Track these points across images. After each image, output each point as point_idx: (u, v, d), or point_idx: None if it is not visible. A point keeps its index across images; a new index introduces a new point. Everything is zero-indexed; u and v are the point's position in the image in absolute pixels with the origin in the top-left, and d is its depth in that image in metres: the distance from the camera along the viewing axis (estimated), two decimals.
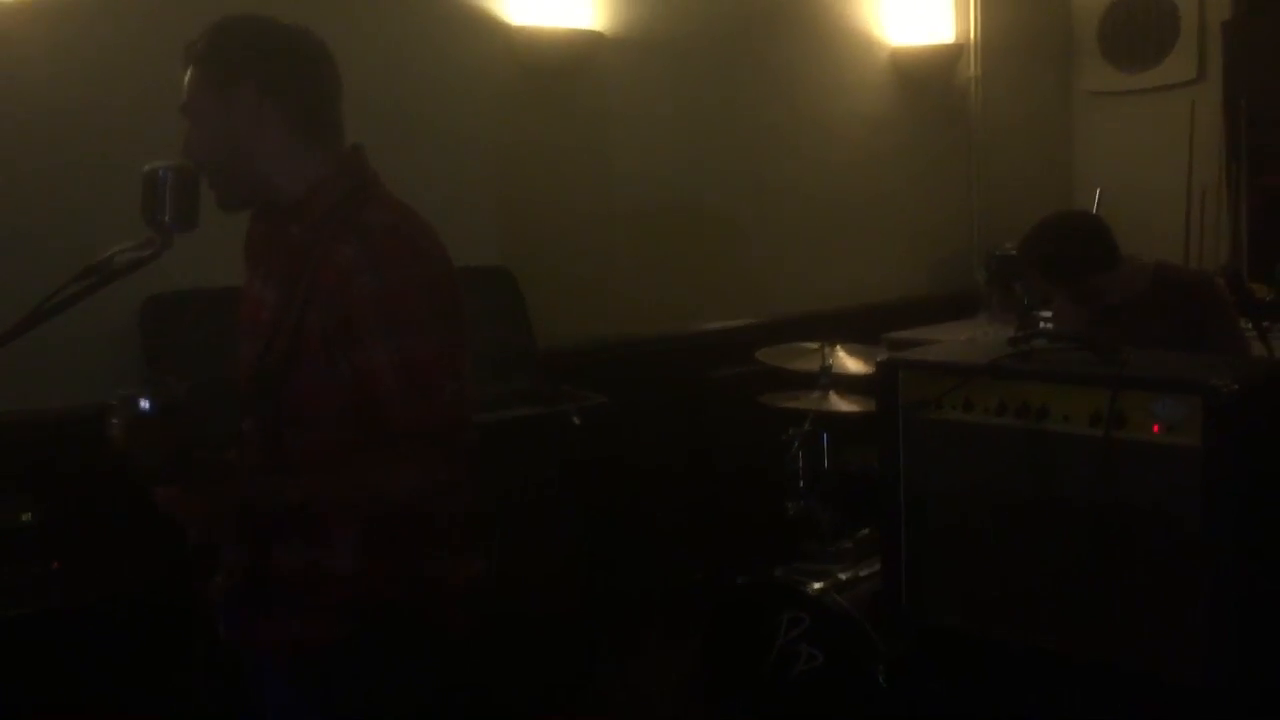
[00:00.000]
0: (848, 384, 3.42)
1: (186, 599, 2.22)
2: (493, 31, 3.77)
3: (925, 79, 5.00)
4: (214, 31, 1.84)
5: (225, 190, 1.88)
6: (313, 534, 1.79)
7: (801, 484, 3.35)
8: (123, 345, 3.11)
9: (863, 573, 3.05)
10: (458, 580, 1.90)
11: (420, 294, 1.75)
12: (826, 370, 3.39)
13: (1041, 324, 3.53)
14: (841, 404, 3.34)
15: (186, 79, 1.85)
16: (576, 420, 3.46)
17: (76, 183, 3.06)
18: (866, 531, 3.29)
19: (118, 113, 3.10)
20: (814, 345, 3.48)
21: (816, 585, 2.99)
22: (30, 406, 3.02)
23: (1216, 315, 3.02)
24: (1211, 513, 1.99)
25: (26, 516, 2.68)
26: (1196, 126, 5.03)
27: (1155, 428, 2.06)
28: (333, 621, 1.79)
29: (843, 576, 3.05)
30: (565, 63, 3.91)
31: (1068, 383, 2.18)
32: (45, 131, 3.04)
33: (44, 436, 3.01)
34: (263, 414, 1.84)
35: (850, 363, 3.48)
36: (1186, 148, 5.01)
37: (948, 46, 5.00)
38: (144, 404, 1.64)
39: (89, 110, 3.08)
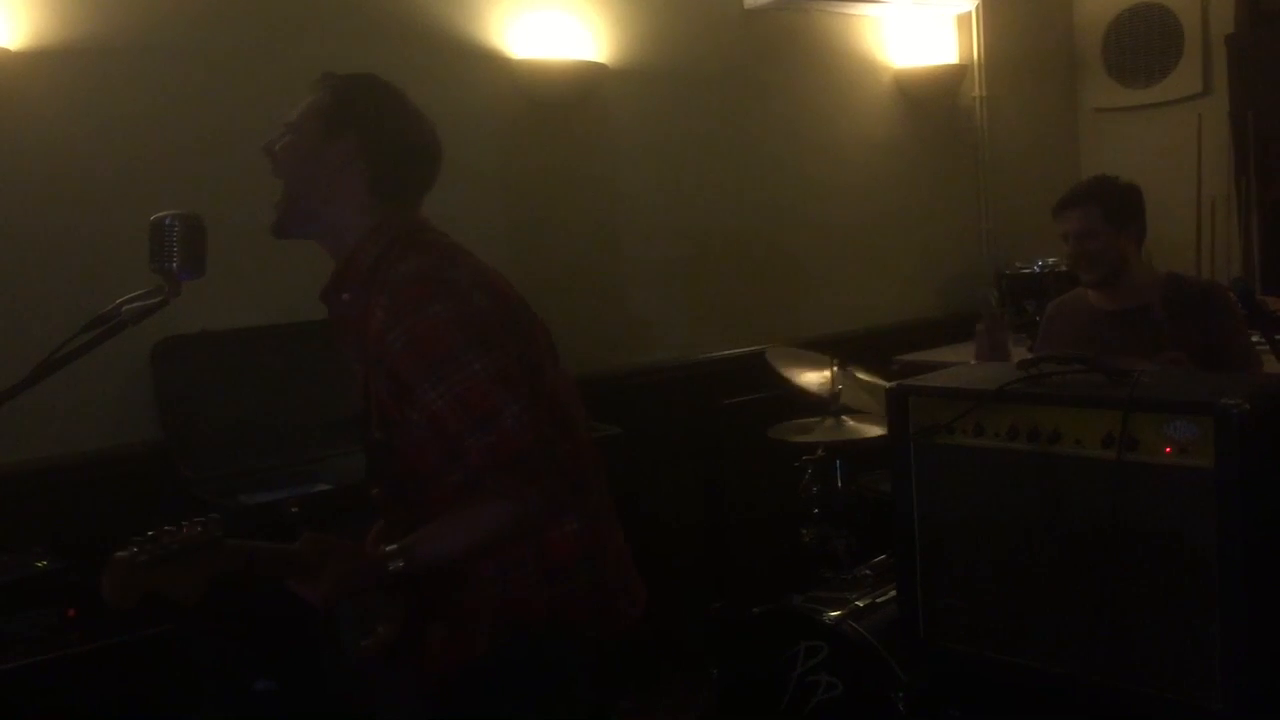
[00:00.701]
0: (860, 408, 3.42)
1: (200, 644, 2.23)
2: (496, 65, 3.79)
3: (930, 100, 5.01)
4: (355, 78, 1.96)
5: (285, 214, 1.92)
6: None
7: (816, 510, 3.34)
8: (135, 389, 3.12)
9: (880, 599, 3.02)
10: (581, 581, 1.94)
11: (449, 330, 1.77)
12: (838, 396, 3.39)
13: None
14: (854, 429, 3.32)
15: (309, 100, 1.94)
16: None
17: (82, 232, 3.08)
18: (884, 557, 3.27)
19: (121, 161, 3.14)
20: (826, 371, 3.47)
21: (834, 613, 2.97)
22: (44, 454, 3.03)
23: (1229, 325, 3.03)
24: (1226, 534, 1.97)
25: (42, 564, 2.69)
26: (1204, 140, 5.02)
27: (1168, 449, 2.04)
28: (480, 635, 1.86)
29: (860, 604, 3.02)
30: (569, 94, 3.93)
31: (1078, 405, 2.16)
32: (46, 180, 3.06)
33: (58, 483, 3.02)
34: (383, 480, 1.93)
35: (861, 389, 3.47)
36: (1195, 162, 5.01)
37: (952, 67, 5.01)
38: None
39: (92, 159, 3.11)
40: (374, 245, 1.88)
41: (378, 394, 1.84)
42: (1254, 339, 3.09)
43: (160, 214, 1.83)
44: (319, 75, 1.96)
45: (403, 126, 1.94)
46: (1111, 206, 3.11)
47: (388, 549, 1.76)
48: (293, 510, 2.81)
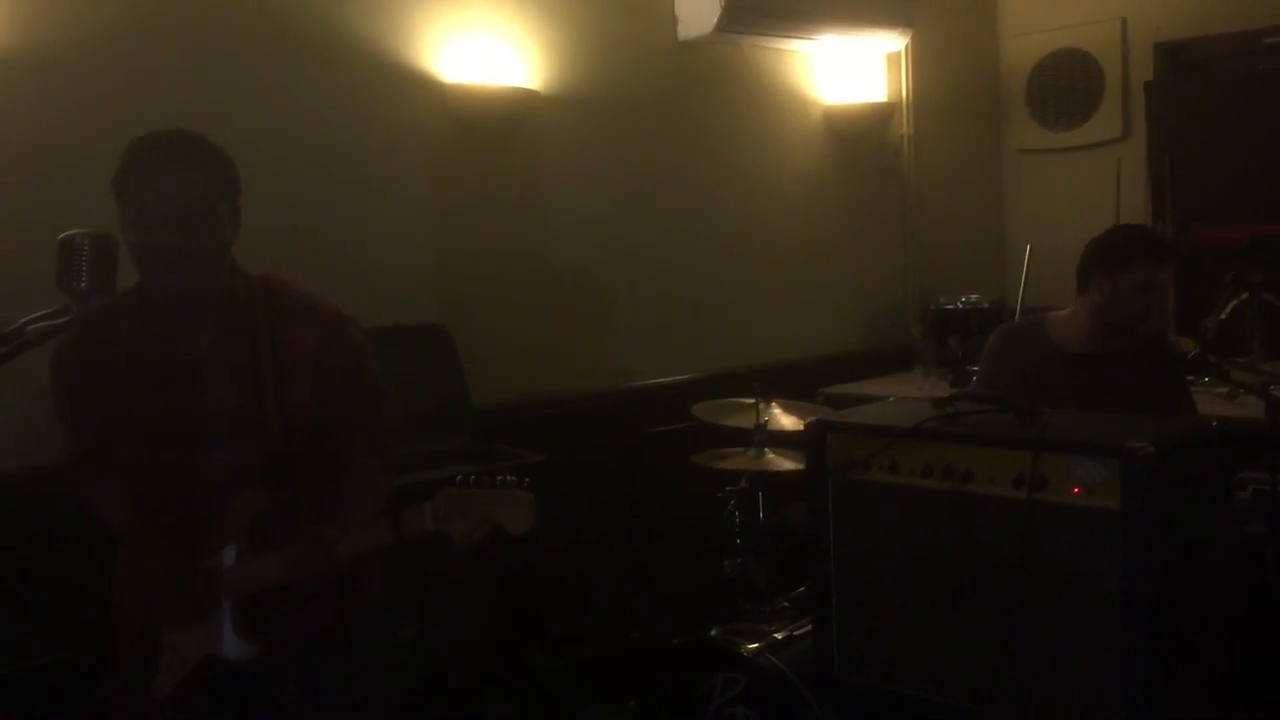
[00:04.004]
0: (784, 440, 3.44)
1: (101, 665, 2.18)
2: (426, 90, 3.77)
3: (859, 137, 5.09)
4: (205, 143, 2.04)
5: (205, 288, 2.03)
6: None
7: (738, 541, 3.35)
8: (43, 409, 3.02)
9: (798, 632, 3.04)
10: None
11: None
12: (762, 428, 3.41)
13: (974, 378, 3.57)
14: (777, 462, 3.35)
15: (193, 184, 1.98)
16: (510, 479, 3.42)
17: None
18: (803, 589, 3.29)
19: (31, 176, 3.06)
20: (749, 401, 3.49)
21: (752, 645, 2.98)
22: None
23: (1182, 381, 3.07)
24: (1129, 575, 2.02)
25: None
26: (1123, 184, 5.14)
27: (1076, 490, 2.09)
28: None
29: (778, 636, 3.04)
30: (500, 120, 3.93)
31: (990, 445, 2.20)
32: None
33: None
34: None
35: (785, 419, 3.50)
36: (1114, 204, 5.12)
37: (880, 105, 5.10)
38: None
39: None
40: None
41: None
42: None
43: (70, 232, 1.80)
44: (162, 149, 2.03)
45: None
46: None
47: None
48: None
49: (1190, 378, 3.37)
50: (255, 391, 2.03)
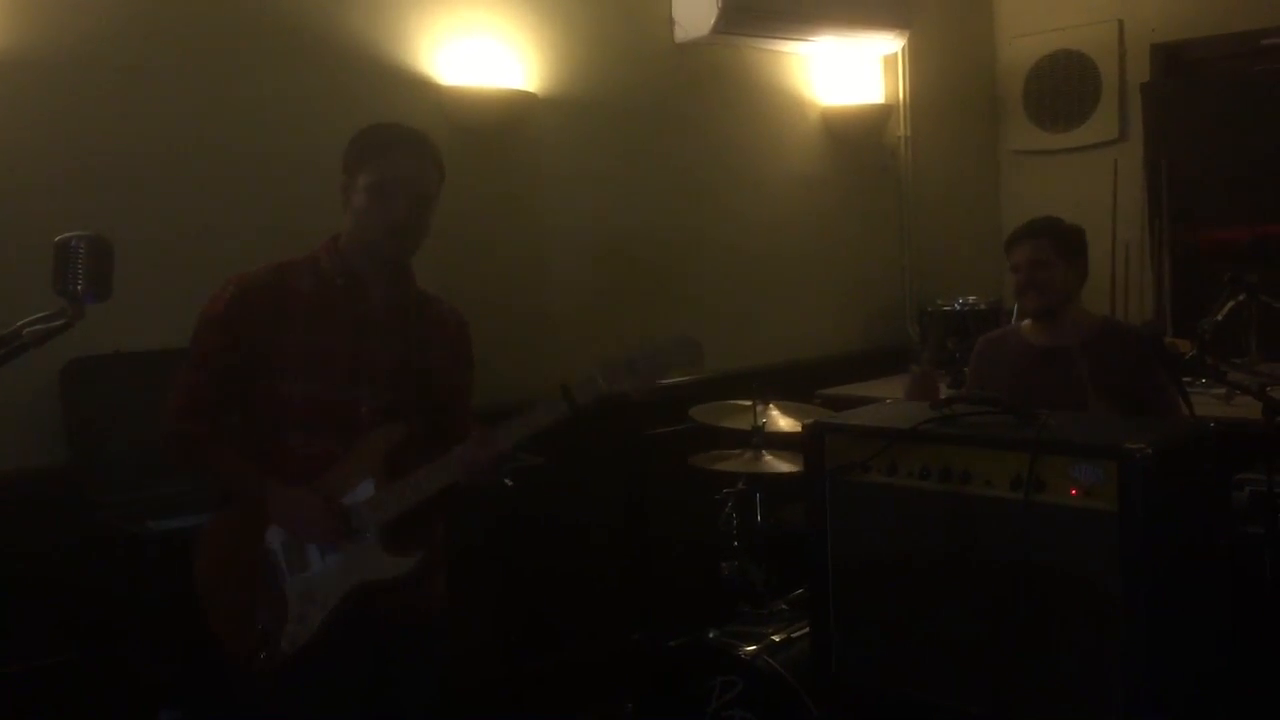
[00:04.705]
0: (781, 442, 3.44)
1: (103, 673, 2.18)
2: (424, 92, 3.77)
3: (855, 138, 5.09)
4: (437, 146, 2.38)
5: (406, 261, 2.39)
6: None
7: (735, 543, 3.35)
8: (42, 410, 3.04)
9: (796, 634, 3.04)
10: None
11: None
12: (759, 430, 3.41)
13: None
14: (774, 463, 3.34)
15: (435, 173, 2.34)
16: (509, 482, 3.43)
17: None
18: (801, 591, 3.29)
19: (26, 178, 3.05)
20: (747, 403, 3.49)
21: (749, 648, 2.98)
22: None
23: (1158, 373, 3.09)
24: (1127, 576, 2.02)
25: None
26: (1119, 185, 5.15)
27: (1074, 491, 2.09)
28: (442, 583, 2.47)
29: (776, 638, 3.04)
30: (497, 123, 3.93)
31: (988, 447, 2.21)
32: None
33: None
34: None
35: (783, 421, 3.50)
36: (1110, 206, 5.13)
37: (877, 107, 5.10)
38: None
39: None
40: None
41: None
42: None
43: (65, 235, 1.80)
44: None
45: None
46: (1062, 240, 3.20)
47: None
48: None
49: (1187, 379, 3.37)
50: (405, 347, 2.32)
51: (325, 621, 2.19)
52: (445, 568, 2.47)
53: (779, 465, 3.33)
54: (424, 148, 2.34)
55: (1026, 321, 3.33)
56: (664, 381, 2.26)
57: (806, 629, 2.93)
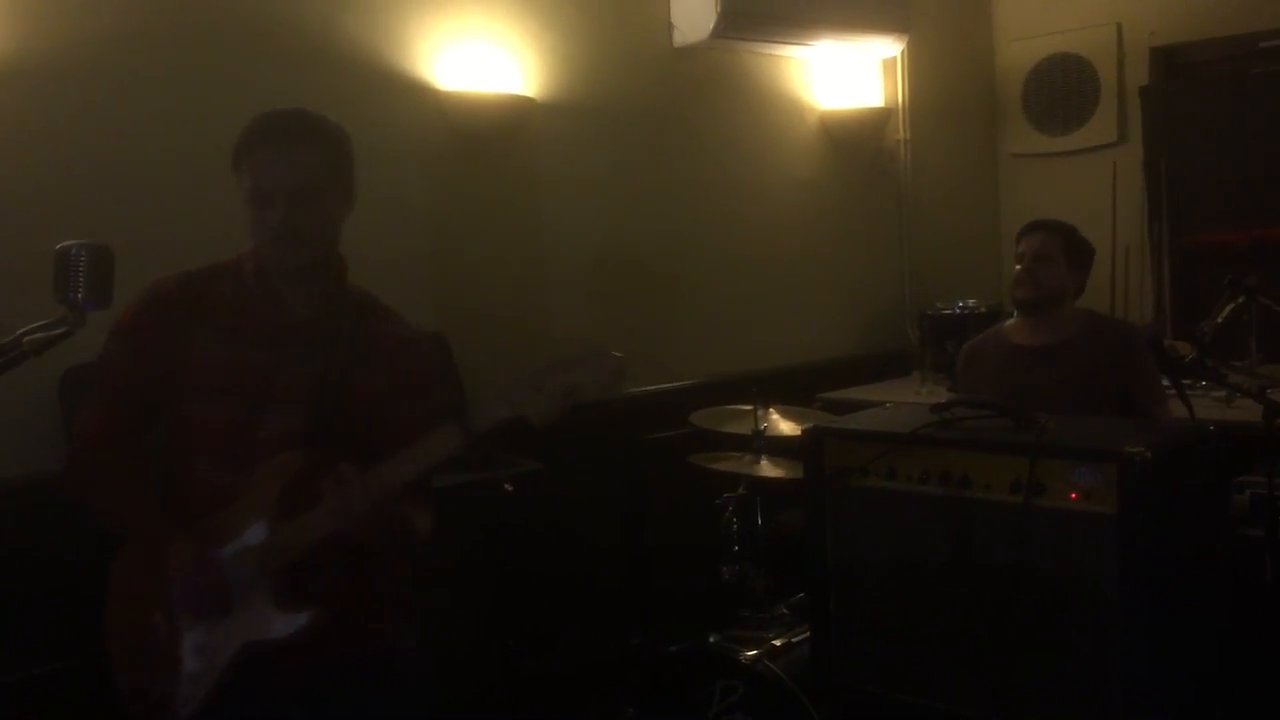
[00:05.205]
0: (782, 446, 3.44)
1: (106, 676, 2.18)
2: (423, 97, 3.77)
3: (854, 142, 5.09)
4: (317, 123, 2.10)
5: (309, 263, 2.08)
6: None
7: (736, 548, 3.34)
8: (42, 418, 3.04)
9: (797, 639, 3.03)
10: None
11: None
12: (760, 434, 3.40)
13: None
14: (775, 468, 3.34)
15: (303, 165, 2.03)
16: (508, 487, 3.43)
17: None
18: (802, 596, 3.28)
19: (27, 186, 3.05)
20: (747, 407, 3.49)
21: (750, 653, 2.97)
22: None
23: (1143, 364, 3.13)
24: (1127, 579, 2.02)
25: None
26: (1118, 188, 5.16)
27: (1073, 495, 2.09)
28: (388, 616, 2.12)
29: (777, 643, 3.04)
30: (497, 128, 3.93)
31: (987, 451, 2.21)
32: None
33: None
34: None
35: (784, 425, 3.50)
36: (1109, 209, 5.14)
37: (876, 110, 5.10)
38: None
39: None
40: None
41: None
42: (1164, 383, 3.18)
43: (66, 243, 1.80)
44: (304, 119, 2.10)
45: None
46: (1071, 243, 3.26)
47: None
48: None
49: (1187, 382, 3.38)
50: (325, 365, 2.04)
51: (220, 683, 1.92)
52: (403, 607, 2.13)
53: (779, 470, 3.33)
54: (298, 140, 2.04)
55: (1009, 322, 3.37)
56: (579, 402, 1.91)
57: (807, 633, 2.94)
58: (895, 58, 5.17)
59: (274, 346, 2.04)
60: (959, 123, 5.54)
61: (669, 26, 4.43)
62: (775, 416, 3.50)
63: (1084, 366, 3.09)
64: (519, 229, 4.06)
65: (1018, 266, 3.28)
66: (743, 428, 3.44)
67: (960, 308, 4.92)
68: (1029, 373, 3.14)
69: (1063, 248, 3.22)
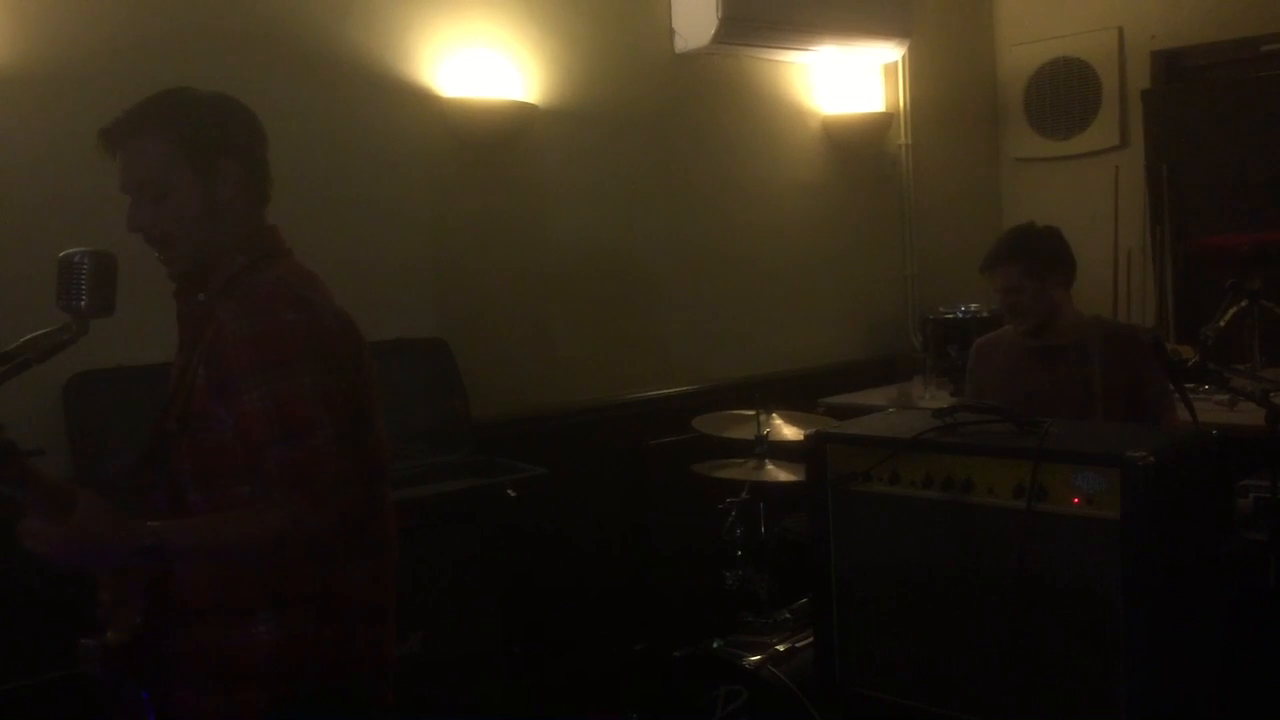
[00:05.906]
0: (785, 451, 3.44)
1: (103, 690, 2.17)
2: (425, 104, 3.78)
3: (857, 147, 5.10)
4: (172, 105, 1.87)
5: (187, 260, 1.89)
6: (232, 605, 1.79)
7: (739, 553, 3.35)
8: (47, 424, 3.05)
9: (800, 644, 3.04)
10: (385, 655, 1.90)
11: (293, 338, 1.74)
12: (763, 439, 3.41)
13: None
14: (778, 473, 3.35)
15: (145, 153, 1.86)
16: (511, 493, 3.44)
17: None
18: (805, 601, 3.28)
19: (31, 195, 3.07)
20: (750, 412, 3.49)
21: (754, 658, 2.98)
22: None
23: (1150, 368, 3.11)
24: (1130, 584, 2.02)
25: None
26: (1121, 192, 5.16)
27: (1076, 500, 2.09)
28: (254, 693, 1.77)
29: (780, 648, 3.04)
30: (499, 134, 3.94)
31: (990, 455, 2.21)
32: None
33: None
34: (162, 473, 1.85)
35: (787, 430, 3.50)
36: (1112, 212, 5.14)
37: (878, 115, 5.11)
38: None
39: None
40: (242, 253, 1.89)
41: (195, 383, 1.79)
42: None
43: (70, 251, 1.80)
44: (106, 129, 1.90)
45: (239, 114, 1.94)
46: (1030, 260, 3.14)
47: (148, 524, 1.66)
48: None
49: (1190, 385, 3.37)
50: (185, 361, 1.86)
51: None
52: (262, 609, 1.78)
53: (782, 475, 3.33)
54: (122, 135, 1.87)
55: None
56: None
57: (810, 638, 2.94)
58: (897, 62, 5.18)
59: (180, 347, 1.94)
60: (961, 127, 5.55)
61: (670, 32, 4.45)
62: (778, 421, 3.51)
63: (1093, 367, 3.07)
64: (521, 235, 4.07)
65: (1002, 301, 3.23)
66: (745, 433, 3.45)
67: (963, 312, 4.92)
68: (1039, 372, 3.14)
69: (1023, 272, 3.13)
